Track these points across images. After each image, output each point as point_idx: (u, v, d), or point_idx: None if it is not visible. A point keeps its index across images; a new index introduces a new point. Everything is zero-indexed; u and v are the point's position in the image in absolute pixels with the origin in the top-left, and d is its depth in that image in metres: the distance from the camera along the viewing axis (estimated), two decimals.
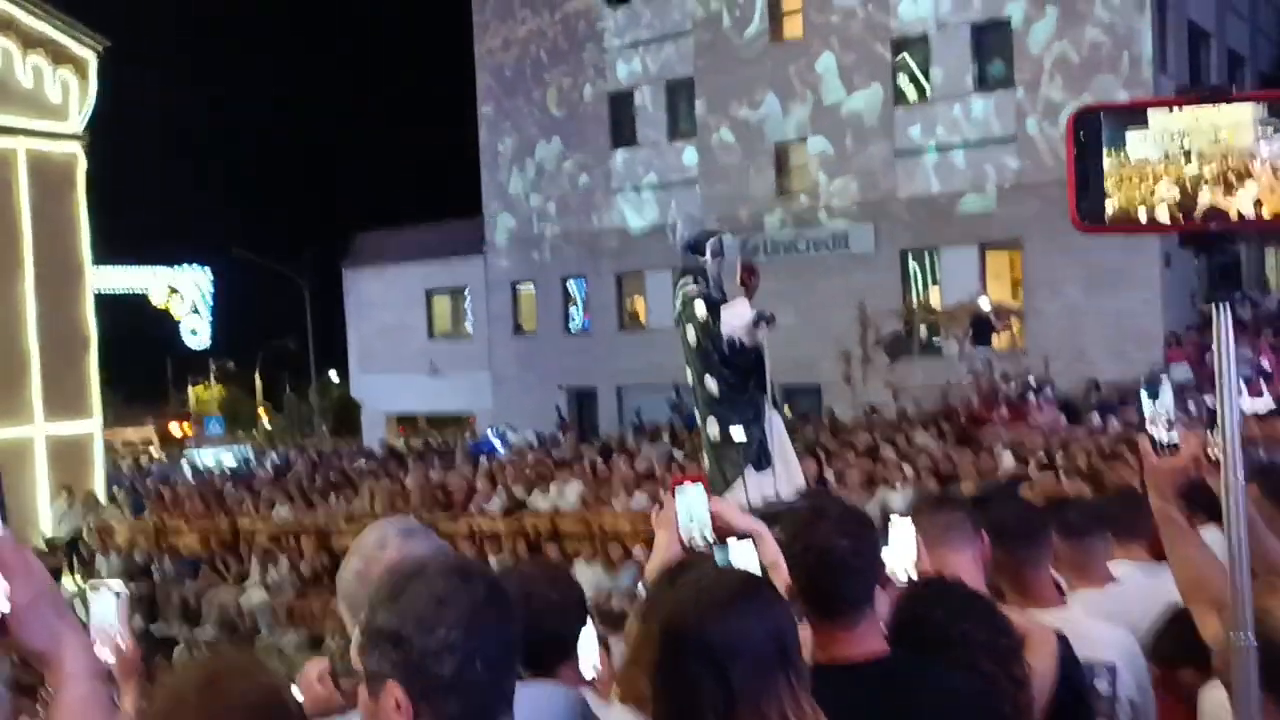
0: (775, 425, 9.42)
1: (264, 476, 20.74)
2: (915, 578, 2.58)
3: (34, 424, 19.30)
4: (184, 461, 31.58)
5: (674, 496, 2.53)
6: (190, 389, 60.02)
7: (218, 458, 33.45)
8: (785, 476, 9.20)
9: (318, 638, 14.40)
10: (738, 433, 9.17)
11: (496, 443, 23.27)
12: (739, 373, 9.49)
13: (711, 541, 2.48)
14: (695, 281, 9.55)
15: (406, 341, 33.36)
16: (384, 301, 33.94)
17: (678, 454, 16.59)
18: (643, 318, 30.04)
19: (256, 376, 50.09)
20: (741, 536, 2.40)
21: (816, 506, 2.41)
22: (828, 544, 2.30)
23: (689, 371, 9.93)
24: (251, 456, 31.24)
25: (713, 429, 9.66)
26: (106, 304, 22.81)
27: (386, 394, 34.10)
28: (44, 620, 1.47)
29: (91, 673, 1.50)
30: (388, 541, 2.16)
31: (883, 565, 2.41)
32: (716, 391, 9.44)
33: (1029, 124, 23.10)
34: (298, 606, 14.77)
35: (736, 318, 9.35)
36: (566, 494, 14.03)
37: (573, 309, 30.90)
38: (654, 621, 2.31)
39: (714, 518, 2.53)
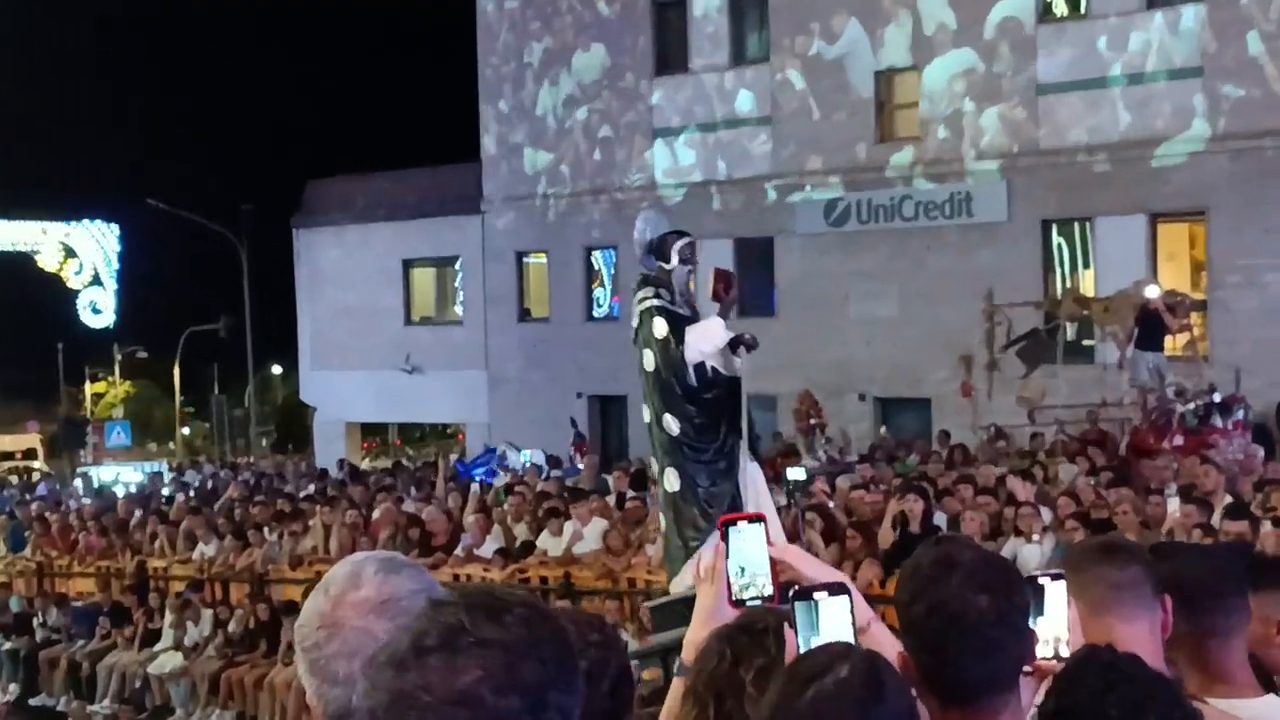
0: (752, 478, 9.72)
1: (183, 503, 20.91)
2: (1067, 654, 2.56)
3: None
4: (78, 480, 31.91)
5: (723, 539, 2.53)
6: (88, 384, 60.73)
7: (122, 476, 33.76)
8: None
9: (249, 718, 14.55)
10: (701, 481, 9.55)
11: (494, 465, 23.35)
12: (707, 410, 9.80)
13: (769, 598, 2.49)
14: (656, 294, 9.90)
15: (375, 328, 33.57)
16: (346, 274, 34.19)
17: None
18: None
19: (176, 370, 50.57)
20: (830, 591, 2.38)
21: (943, 554, 2.37)
22: (961, 604, 2.27)
23: (645, 408, 10.22)
24: (167, 475, 31.49)
25: (671, 481, 9.97)
26: None
27: (347, 397, 34.33)
28: None
29: None
30: (363, 577, 2.18)
31: (1033, 637, 2.39)
32: (677, 432, 9.79)
33: (1223, 50, 22.89)
34: (226, 677, 14.92)
35: (706, 339, 9.66)
36: (585, 535, 14.06)
37: (598, 289, 30.97)
38: (706, 710, 2.30)
39: (776, 568, 2.53)
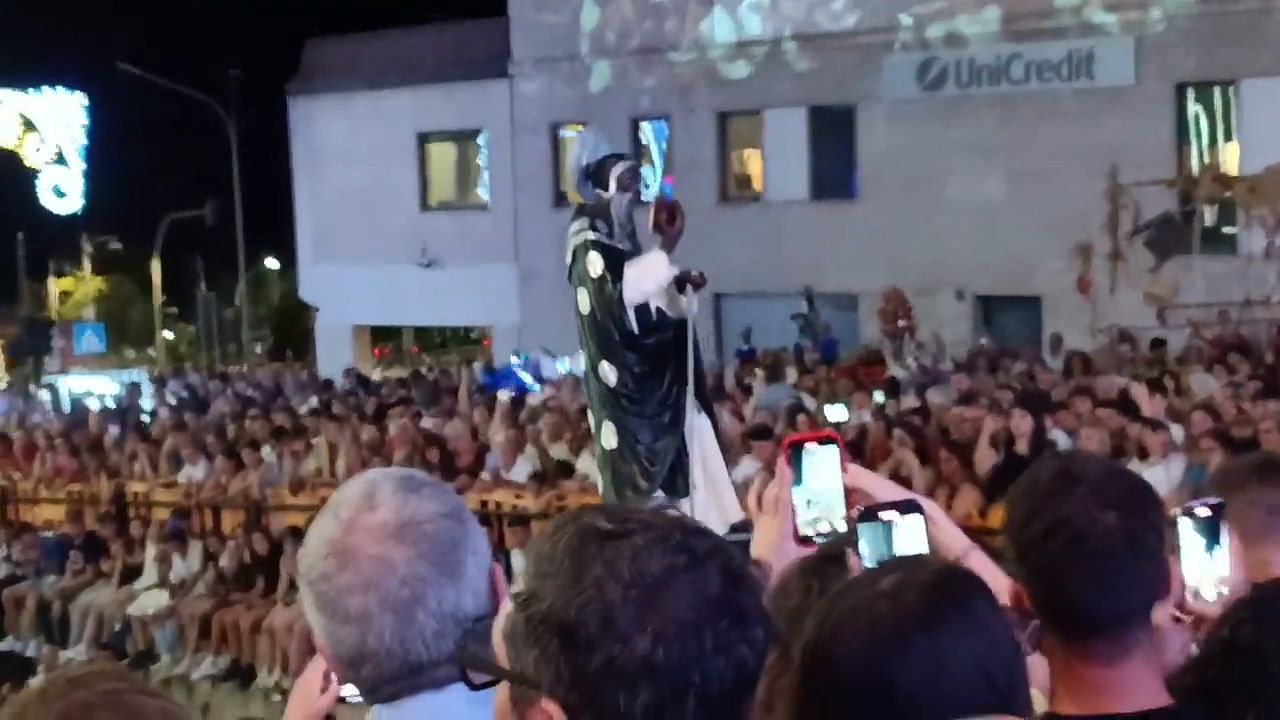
0: (701, 435, 9.85)
1: (166, 418, 21.16)
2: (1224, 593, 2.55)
3: None
4: (43, 392, 32.32)
5: (788, 464, 2.53)
6: (53, 280, 61.27)
7: (94, 387, 34.18)
8: (713, 507, 9.63)
9: (245, 668, 14.82)
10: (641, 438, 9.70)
11: (525, 375, 23.46)
12: (649, 357, 9.98)
13: (842, 535, 2.48)
14: (592, 226, 10.06)
15: (386, 214, 33.65)
16: (351, 150, 34.21)
17: (808, 399, 16.60)
18: (757, 183, 29.94)
19: (155, 263, 50.92)
20: (900, 509, 2.39)
21: (1063, 468, 2.35)
22: (1085, 523, 2.27)
23: (581, 354, 10.47)
24: (147, 386, 31.85)
25: (608, 437, 10.21)
26: None
27: (354, 296, 34.50)
28: None
29: None
30: (379, 498, 2.17)
31: (1170, 566, 2.38)
32: (616, 383, 9.99)
33: None
34: (217, 618, 15.17)
35: (647, 277, 9.80)
36: None
37: (646, 168, 30.85)
38: (789, 652, 2.31)
39: (851, 496, 2.53)
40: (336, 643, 2.14)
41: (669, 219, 9.89)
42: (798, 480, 2.52)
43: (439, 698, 2.07)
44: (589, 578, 1.62)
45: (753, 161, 30.08)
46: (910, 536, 2.34)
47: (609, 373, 10.00)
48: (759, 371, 19.17)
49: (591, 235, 9.97)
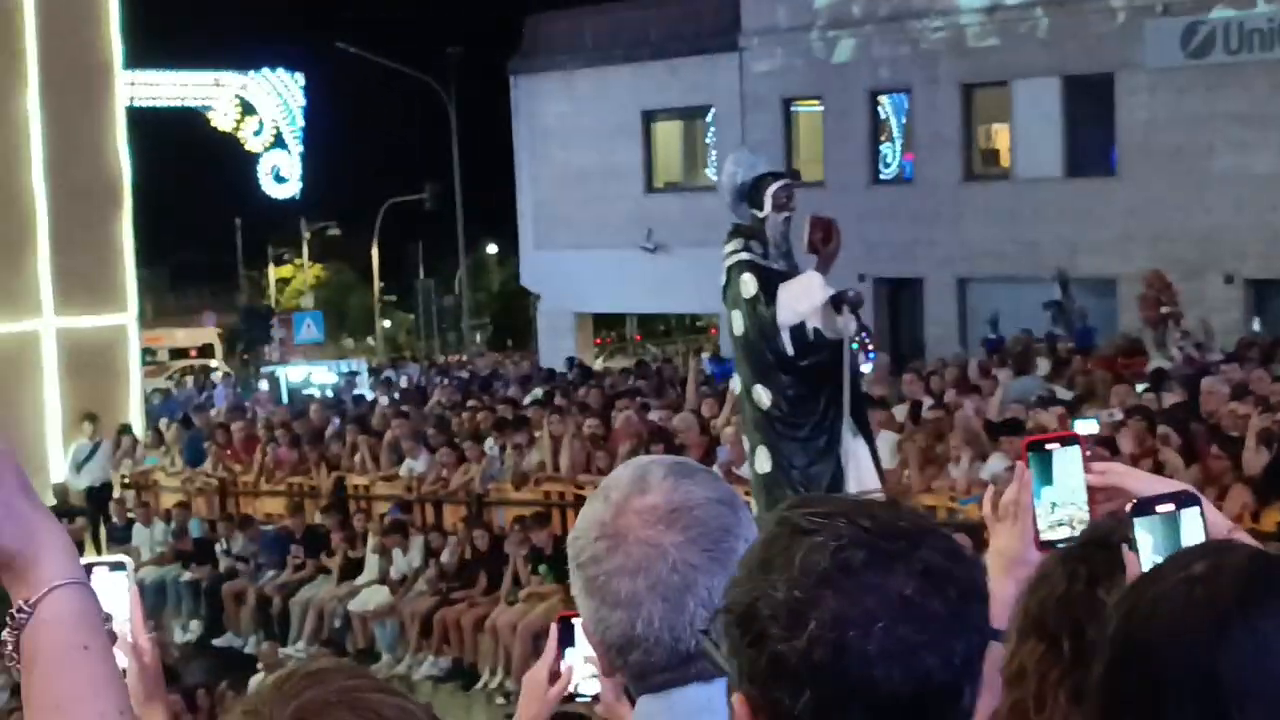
0: (857, 459, 10.07)
1: (386, 409, 21.64)
2: None
3: (39, 317, 20.80)
4: (263, 382, 33.31)
5: (1027, 461, 2.51)
6: (272, 267, 63.08)
7: (313, 376, 35.13)
8: None
9: (468, 668, 15.08)
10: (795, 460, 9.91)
11: None
12: (804, 380, 10.27)
13: (1079, 529, 2.46)
14: (746, 247, 10.39)
15: (610, 197, 33.92)
16: (575, 130, 34.55)
17: (1061, 392, 16.28)
18: (1005, 159, 29.47)
19: (374, 250, 52.15)
20: (1177, 503, 2.32)
21: None
22: None
23: (735, 378, 10.87)
24: (365, 376, 32.64)
25: (762, 462, 10.51)
26: (144, 129, 24.13)
27: (577, 282, 34.86)
28: (9, 506, 1.57)
29: (83, 581, 1.61)
30: (650, 481, 2.23)
31: None
32: (770, 406, 10.30)
33: None
34: (440, 616, 15.45)
35: (802, 298, 10.07)
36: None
37: (886, 145, 30.60)
38: (1058, 645, 2.26)
39: (1094, 498, 2.49)
40: (605, 628, 2.20)
41: (824, 238, 10.19)
42: (1038, 483, 2.50)
43: (708, 690, 2.09)
44: (768, 571, 1.65)
45: (1000, 136, 29.61)
46: (1191, 530, 2.30)
47: (763, 396, 10.30)
48: (1007, 362, 18.88)
49: (746, 256, 10.33)
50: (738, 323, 10.45)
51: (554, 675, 2.82)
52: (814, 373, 10.20)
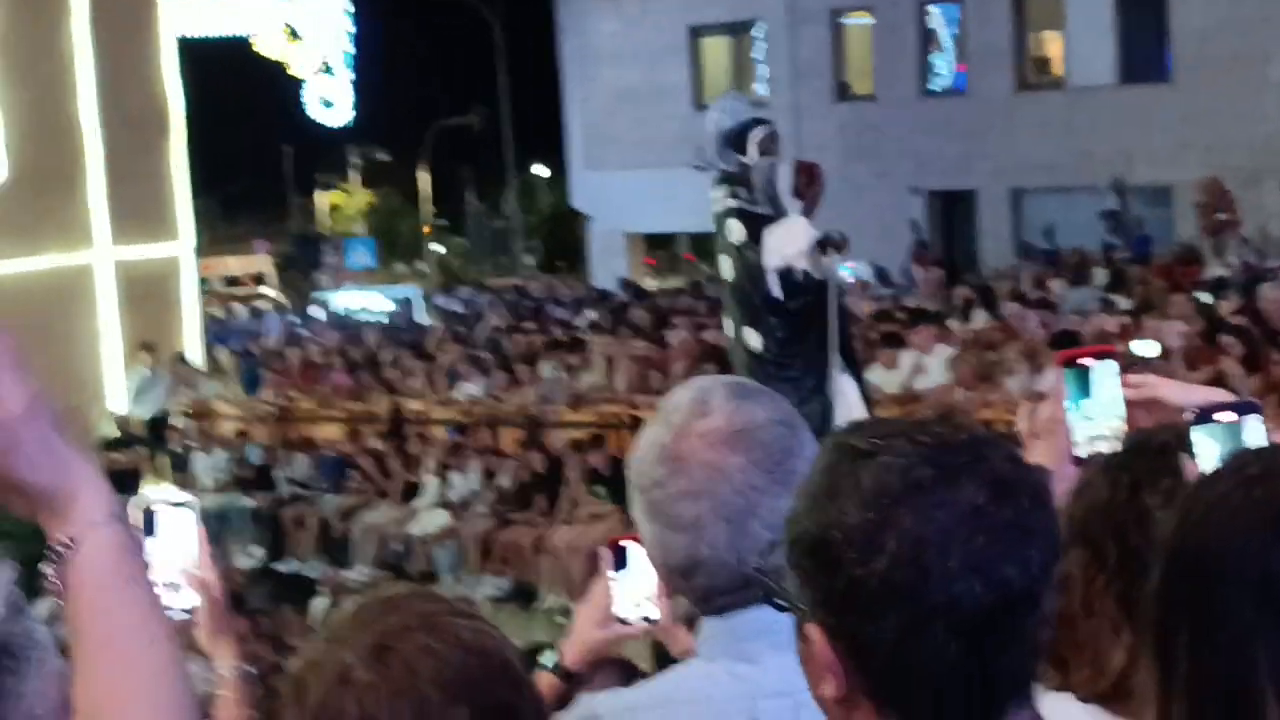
0: (845, 397, 10.31)
1: (439, 332, 21.71)
2: None
3: (93, 248, 20.91)
4: (316, 308, 33.47)
5: (1061, 376, 2.50)
6: (321, 193, 63.20)
7: (366, 303, 35.28)
8: None
9: (527, 588, 15.19)
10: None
11: None
12: (791, 322, 10.60)
13: (1117, 444, 2.44)
14: (733, 194, 10.68)
15: (659, 115, 33.74)
16: (621, 48, 34.38)
17: (1121, 301, 16.18)
18: (1058, 67, 29.18)
19: (425, 174, 52.15)
20: (1238, 410, 2.30)
21: None
22: None
23: (726, 319, 11.16)
24: (418, 301, 32.74)
25: None
26: (192, 58, 24.13)
27: (627, 203, 34.80)
28: (46, 442, 1.57)
29: (121, 518, 1.63)
30: (712, 404, 2.23)
31: None
32: (760, 348, 10.61)
33: None
34: (498, 539, 15.55)
35: (788, 242, 10.38)
36: (927, 368, 13.98)
37: (936, 56, 30.34)
38: (1102, 552, 2.26)
39: (1132, 411, 2.47)
40: (668, 551, 2.22)
41: (808, 181, 10.59)
42: (1074, 397, 2.48)
43: (772, 613, 2.10)
44: (835, 497, 1.63)
45: (1053, 43, 29.31)
46: (1253, 437, 2.28)
47: (752, 338, 10.62)
48: (1062, 274, 18.78)
49: (732, 203, 10.60)
50: (726, 268, 10.79)
51: (605, 613, 2.82)
52: (801, 314, 10.49)
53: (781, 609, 1.74)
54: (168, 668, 1.60)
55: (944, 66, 30.21)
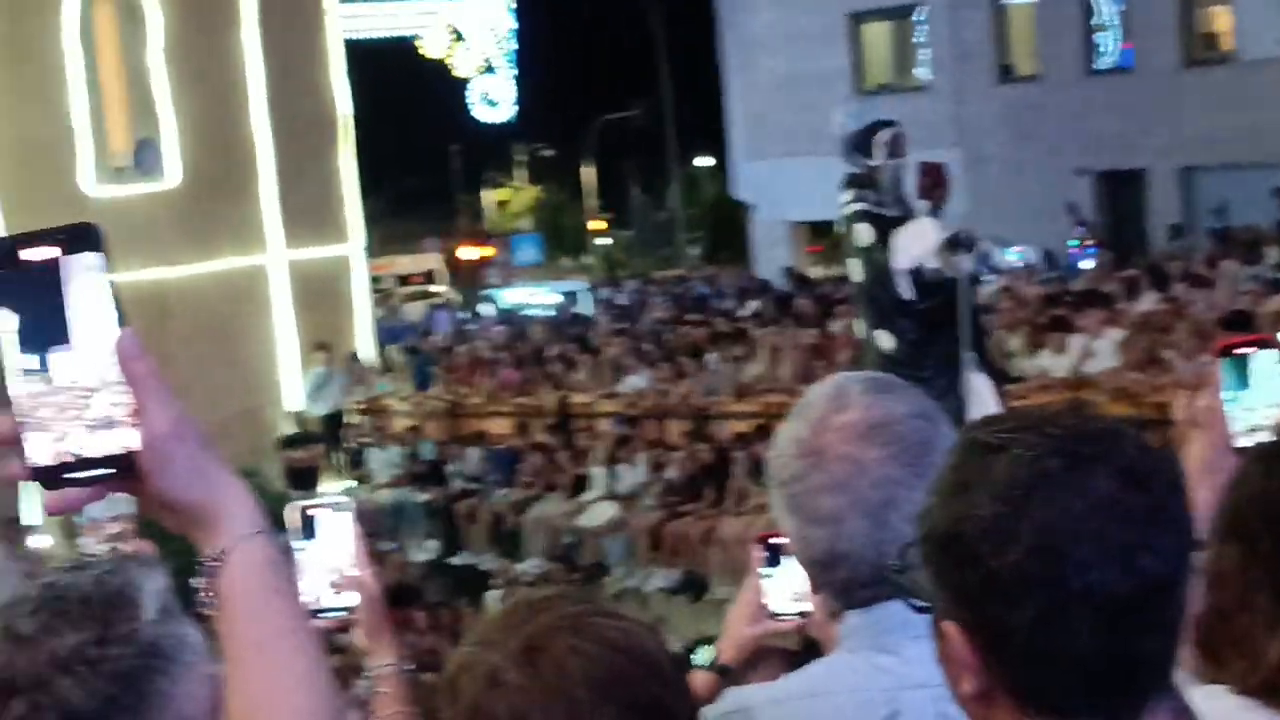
0: (980, 395, 10.29)
1: (605, 326, 21.86)
2: None
3: (267, 251, 21.36)
4: (484, 305, 33.86)
5: (1219, 365, 2.45)
6: (487, 191, 63.81)
7: (533, 298, 35.59)
8: None
9: (697, 579, 15.24)
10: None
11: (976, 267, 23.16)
12: (922, 322, 10.67)
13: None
14: (860, 197, 10.79)
15: (820, 102, 33.51)
16: (781, 37, 34.29)
17: None
18: (1226, 42, 28.56)
19: (587, 169, 52.46)
20: None
21: None
22: None
23: (858, 321, 11.33)
24: (584, 295, 32.99)
25: None
26: (358, 61, 24.54)
27: (789, 191, 34.66)
28: (194, 460, 1.61)
29: (267, 532, 1.67)
30: (849, 398, 2.25)
31: None
32: (892, 349, 10.74)
33: None
34: (666, 530, 15.63)
35: (917, 241, 10.43)
36: (1097, 350, 13.79)
37: (1100, 35, 29.86)
38: (1255, 544, 2.20)
39: None
40: (808, 545, 2.23)
41: (934, 183, 10.69)
42: (1232, 387, 2.44)
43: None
44: (966, 492, 1.63)
45: (1221, 17, 28.67)
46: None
47: (884, 340, 10.75)
48: (1237, 248, 18.40)
49: (860, 205, 10.68)
50: (856, 271, 10.90)
51: (758, 609, 2.84)
52: (932, 314, 10.54)
53: (917, 609, 1.75)
54: (314, 674, 1.65)
55: (1109, 44, 29.72)
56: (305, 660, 1.64)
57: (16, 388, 1.54)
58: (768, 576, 2.77)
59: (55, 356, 1.53)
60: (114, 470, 1.56)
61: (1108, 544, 1.57)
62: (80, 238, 1.54)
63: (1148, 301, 16.09)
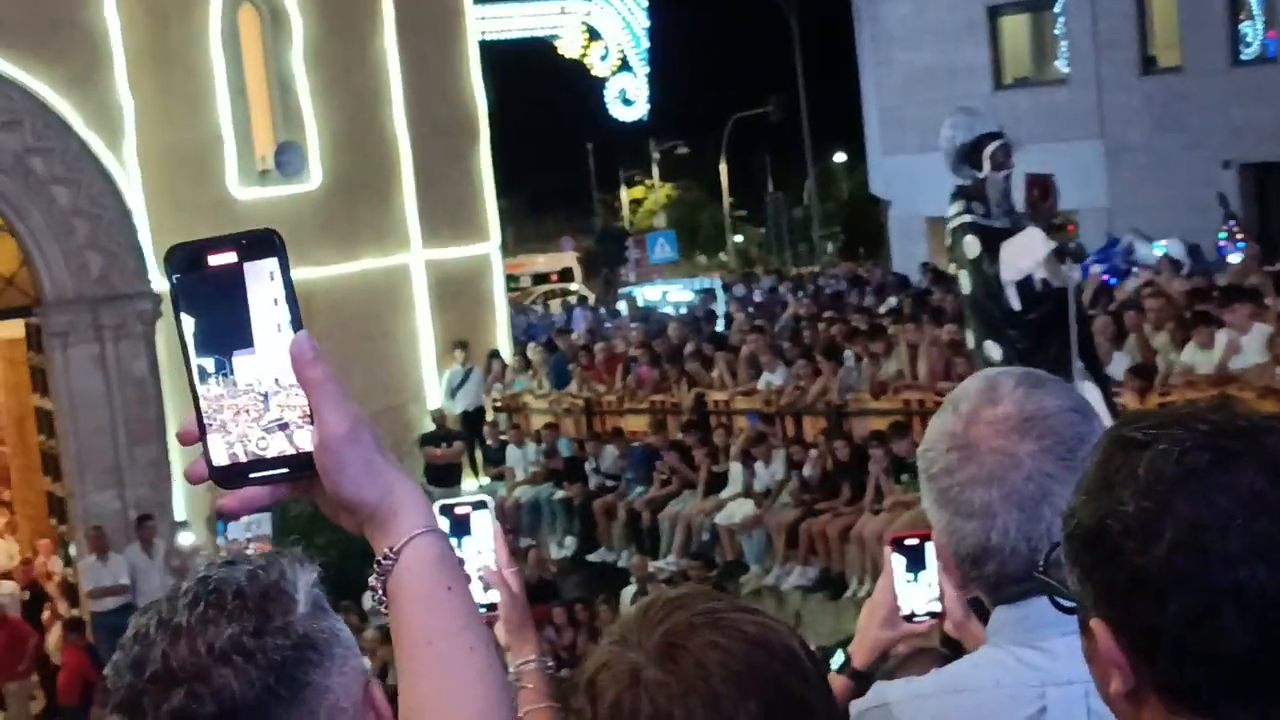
0: (1089, 402, 9.74)
1: (741, 323, 21.83)
2: None
3: (408, 250, 21.63)
4: (621, 303, 33.96)
5: None
6: (623, 189, 64.04)
7: (669, 295, 35.63)
8: None
9: (835, 577, 15.20)
10: None
11: (1117, 262, 22.84)
12: (1031, 333, 10.82)
13: None
14: (968, 208, 10.98)
15: (957, 97, 33.22)
16: (918, 31, 34.04)
17: None
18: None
19: (722, 166, 52.44)
20: None
21: None
22: None
23: (968, 331, 11.56)
24: (720, 292, 32.95)
25: None
26: (495, 62, 24.75)
27: (926, 186, 34.12)
28: (369, 461, 1.65)
29: (438, 530, 1.70)
30: (1001, 391, 2.23)
31: None
32: (1001, 360, 10.78)
33: None
34: (804, 527, 15.60)
35: (1024, 253, 10.57)
36: (1244, 346, 13.54)
37: (1245, 24, 29.28)
38: None
39: None
40: (959, 539, 2.21)
41: (1041, 195, 10.80)
42: None
43: None
44: (1111, 488, 1.60)
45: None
46: None
47: (993, 350, 10.90)
48: None
49: (968, 217, 10.91)
50: (965, 282, 11.12)
51: (891, 612, 2.82)
52: (1041, 324, 10.76)
53: (1064, 609, 1.73)
54: (488, 673, 1.67)
55: (1254, 34, 29.12)
56: (478, 657, 1.66)
57: (201, 390, 1.59)
58: (900, 578, 2.76)
59: (239, 360, 1.58)
60: (291, 470, 1.61)
61: (1256, 540, 1.53)
62: (263, 243, 1.60)
63: None
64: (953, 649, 2.80)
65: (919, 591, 2.75)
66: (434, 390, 21.66)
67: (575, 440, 19.80)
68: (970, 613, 2.72)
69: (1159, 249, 22.56)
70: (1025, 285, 10.66)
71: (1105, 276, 20.23)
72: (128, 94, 19.03)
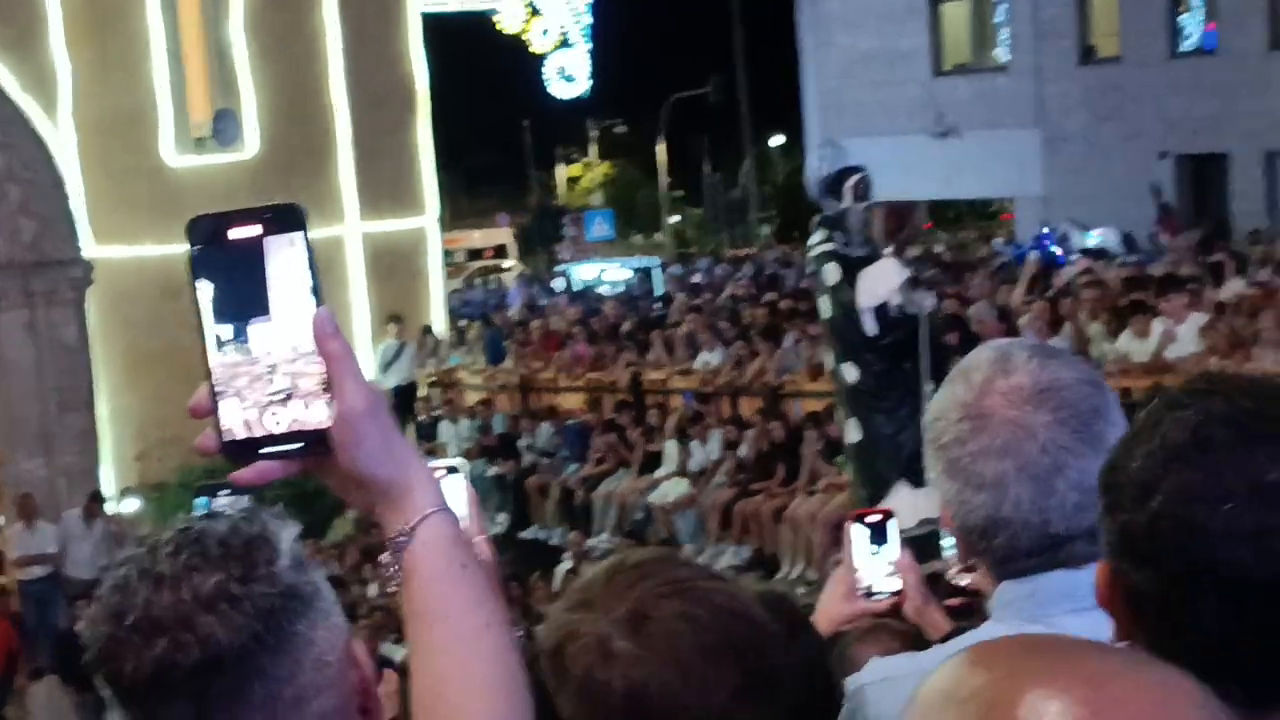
0: None
1: (679, 303, 21.87)
2: None
3: (343, 222, 21.51)
4: (558, 280, 33.94)
5: None
6: (560, 167, 63.92)
7: (605, 274, 35.61)
8: (921, 497, 10.51)
9: (768, 558, 15.26)
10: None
11: (1052, 250, 23.04)
12: (886, 356, 11.55)
13: None
14: (829, 238, 11.74)
15: (897, 81, 33.46)
16: (860, 14, 34.12)
17: None
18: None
19: (660, 146, 52.37)
20: None
21: None
22: None
23: (827, 353, 12.19)
24: (656, 272, 32.99)
25: (853, 432, 12.10)
26: (435, 35, 24.63)
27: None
28: (386, 438, 1.66)
29: (450, 509, 1.72)
30: (1014, 362, 2.18)
31: None
32: (855, 381, 11.67)
33: None
34: (739, 508, 15.65)
35: (880, 282, 11.31)
36: (1179, 335, 13.68)
37: (1184, 16, 29.53)
38: None
39: None
40: (968, 511, 2.16)
41: (898, 225, 12.00)
42: None
43: (1076, 576, 2.05)
44: (1134, 442, 1.59)
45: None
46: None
47: (850, 372, 11.77)
48: None
49: (829, 246, 11.72)
50: (824, 307, 11.90)
51: (849, 588, 2.82)
52: (896, 349, 11.54)
53: None
54: (503, 650, 1.69)
55: (1193, 25, 29.36)
56: (493, 634, 1.68)
57: (215, 357, 1.59)
58: (861, 553, 2.78)
59: (254, 328, 1.59)
60: (306, 444, 1.61)
61: (1243, 524, 1.50)
62: (284, 217, 1.61)
63: (1232, 287, 15.94)
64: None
65: (878, 568, 2.75)
66: (367, 365, 21.56)
67: (509, 417, 19.77)
68: (931, 598, 2.74)
69: (1094, 238, 22.77)
70: (881, 311, 11.42)
71: (1045, 262, 20.38)
72: (65, 58, 18.83)
